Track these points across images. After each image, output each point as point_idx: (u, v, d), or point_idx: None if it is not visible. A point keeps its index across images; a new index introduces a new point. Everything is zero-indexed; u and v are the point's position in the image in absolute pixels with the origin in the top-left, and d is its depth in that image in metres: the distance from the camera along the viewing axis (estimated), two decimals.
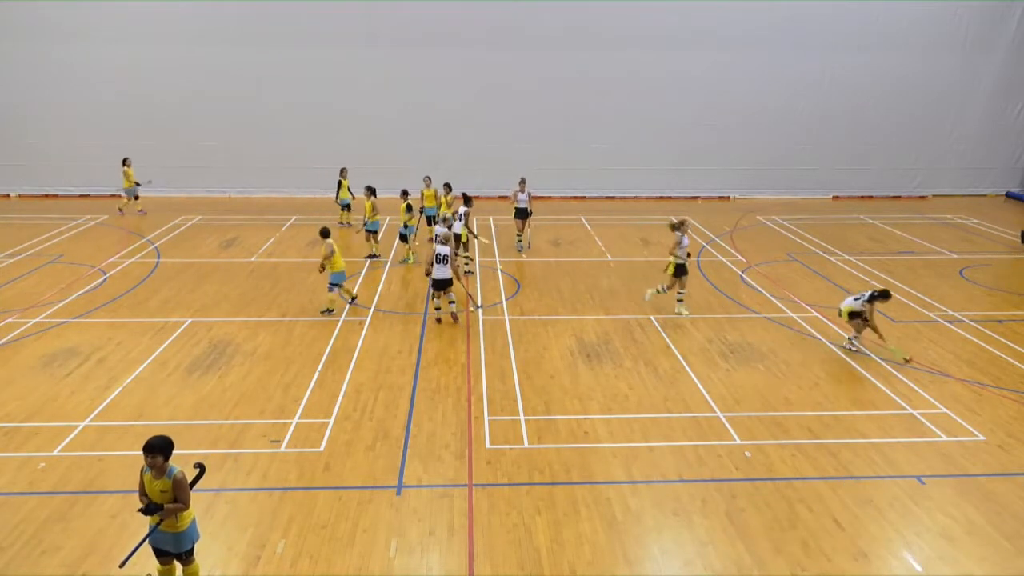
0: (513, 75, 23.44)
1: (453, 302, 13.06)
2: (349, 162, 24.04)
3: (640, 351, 11.95)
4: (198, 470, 6.32)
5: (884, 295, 11.56)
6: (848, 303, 11.83)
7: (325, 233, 13.32)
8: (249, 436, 9.20)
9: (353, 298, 13.81)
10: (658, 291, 13.69)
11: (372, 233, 16.90)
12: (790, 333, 12.80)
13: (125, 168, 20.35)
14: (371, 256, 16.92)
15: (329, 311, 13.28)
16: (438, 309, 13.15)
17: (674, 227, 13.32)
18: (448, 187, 17.36)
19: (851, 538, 7.44)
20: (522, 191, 17.39)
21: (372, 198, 16.52)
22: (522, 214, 17.51)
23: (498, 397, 10.34)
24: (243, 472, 8.42)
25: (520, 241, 17.90)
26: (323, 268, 13.19)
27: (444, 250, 12.62)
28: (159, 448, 5.97)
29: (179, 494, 6.05)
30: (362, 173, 23.18)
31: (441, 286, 12.78)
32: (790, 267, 16.82)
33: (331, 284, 13.19)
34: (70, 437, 9.10)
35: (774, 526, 7.61)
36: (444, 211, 16.09)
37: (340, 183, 20.03)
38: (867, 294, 11.66)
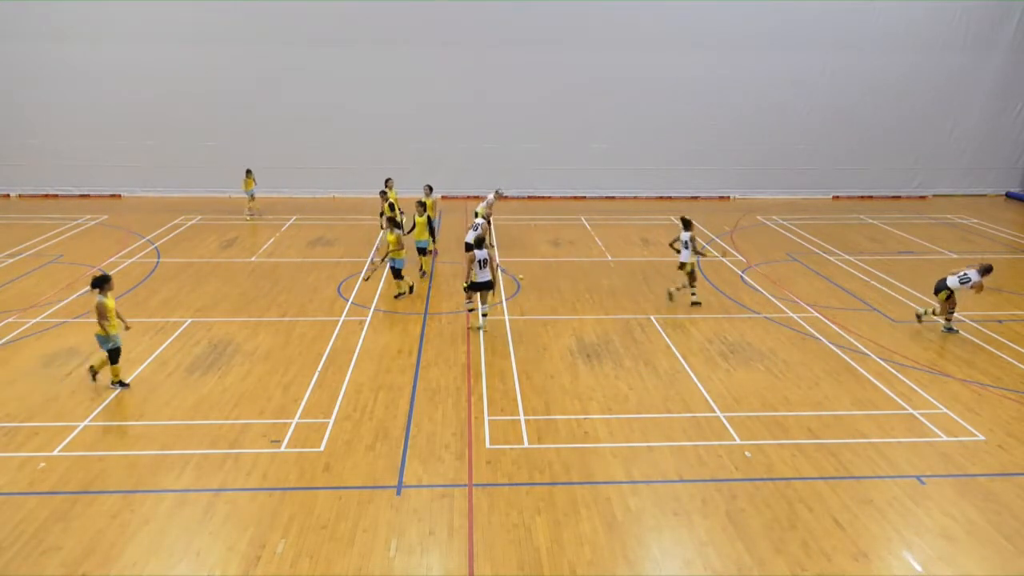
0: (514, 75, 23.45)
1: (486, 314, 12.88)
2: (349, 162, 24.02)
3: (640, 351, 11.95)
4: None
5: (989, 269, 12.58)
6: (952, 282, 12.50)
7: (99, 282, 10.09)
8: (249, 436, 9.20)
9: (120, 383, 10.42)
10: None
11: None
12: (790, 333, 12.80)
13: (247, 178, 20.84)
14: None
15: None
16: (484, 316, 12.82)
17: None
18: (429, 188, 17.08)
19: (851, 538, 7.44)
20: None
21: None
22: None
23: (498, 397, 10.34)
24: (243, 472, 8.42)
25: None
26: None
27: (483, 254, 12.31)
28: None
29: None
30: (363, 173, 23.26)
31: (488, 287, 12.56)
32: (790, 267, 16.81)
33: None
34: (70, 437, 9.09)
35: (774, 526, 7.61)
36: (429, 212, 15.82)
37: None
38: (971, 273, 12.42)
